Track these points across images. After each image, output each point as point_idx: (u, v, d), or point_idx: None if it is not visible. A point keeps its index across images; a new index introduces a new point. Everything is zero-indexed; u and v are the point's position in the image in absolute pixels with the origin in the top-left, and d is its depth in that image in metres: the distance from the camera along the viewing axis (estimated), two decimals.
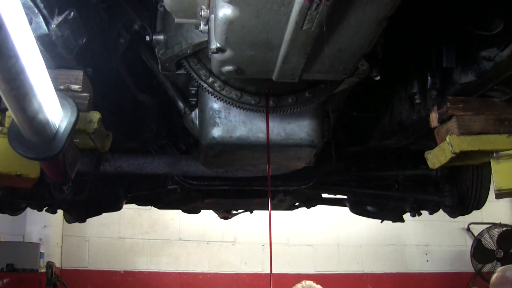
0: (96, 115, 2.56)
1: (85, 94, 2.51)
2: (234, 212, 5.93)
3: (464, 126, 2.85)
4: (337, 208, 10.24)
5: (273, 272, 10.32)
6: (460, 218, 10.81)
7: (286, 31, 2.10)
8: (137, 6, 2.99)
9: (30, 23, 2.20)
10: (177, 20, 2.33)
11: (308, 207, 5.52)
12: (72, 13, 2.41)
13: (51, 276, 8.30)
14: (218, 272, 10.16)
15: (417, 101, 3.06)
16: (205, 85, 2.83)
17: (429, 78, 2.93)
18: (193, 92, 3.21)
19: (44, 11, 2.27)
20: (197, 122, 3.23)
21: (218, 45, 2.23)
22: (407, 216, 5.45)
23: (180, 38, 2.72)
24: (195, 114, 3.24)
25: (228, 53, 2.28)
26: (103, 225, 9.54)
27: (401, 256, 11.42)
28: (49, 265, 8.38)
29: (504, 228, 11.01)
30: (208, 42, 2.42)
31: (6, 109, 2.42)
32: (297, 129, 3.14)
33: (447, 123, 2.90)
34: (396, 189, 4.78)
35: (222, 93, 2.84)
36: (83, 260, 9.51)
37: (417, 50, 2.99)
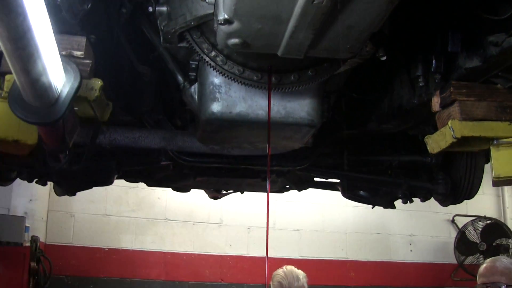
0: (98, 83, 2.52)
1: (87, 61, 2.47)
2: (224, 192, 5.90)
3: (466, 112, 2.84)
4: (323, 195, 10.32)
5: (257, 255, 10.37)
6: (445, 209, 10.92)
7: (296, 4, 2.08)
8: None
9: None
10: None
11: (299, 189, 5.49)
12: None
13: (35, 251, 8.22)
14: (202, 253, 10.13)
15: (420, 84, 3.05)
16: (207, 59, 2.80)
17: (433, 62, 2.91)
18: (193, 66, 3.18)
19: None
20: (197, 97, 3.19)
21: (226, 16, 2.20)
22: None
23: (184, 10, 2.68)
24: (194, 88, 3.21)
25: (235, 25, 2.25)
26: (89, 202, 9.46)
27: (385, 244, 11.44)
28: (34, 239, 8.30)
29: (489, 221, 11.05)
30: (214, 13, 2.40)
31: (5, 73, 2.38)
32: (298, 107, 3.12)
33: (449, 107, 2.90)
34: (389, 175, 4.77)
35: (224, 67, 2.82)
36: (68, 236, 9.44)
37: (422, 33, 2.96)
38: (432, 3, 2.78)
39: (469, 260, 10.90)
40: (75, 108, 2.58)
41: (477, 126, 2.83)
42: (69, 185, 4.78)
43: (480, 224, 10.97)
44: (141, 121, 3.92)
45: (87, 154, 3.19)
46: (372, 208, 5.52)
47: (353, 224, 11.20)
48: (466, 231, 10.98)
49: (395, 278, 11.18)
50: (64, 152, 2.81)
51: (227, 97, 3.04)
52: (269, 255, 9.95)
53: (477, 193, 4.64)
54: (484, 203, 11.56)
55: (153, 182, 5.32)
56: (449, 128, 2.81)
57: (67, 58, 2.34)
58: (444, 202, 4.77)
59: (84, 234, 9.50)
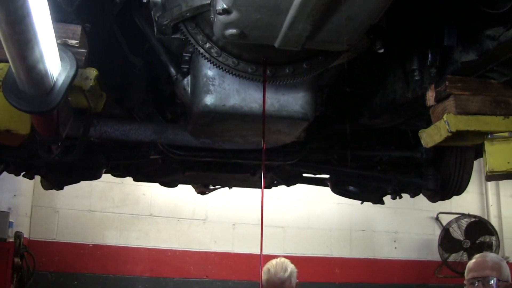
0: (93, 72, 2.48)
1: (82, 50, 2.43)
2: (212, 187, 5.87)
3: (461, 106, 2.84)
4: (308, 191, 10.38)
5: (242, 252, 10.35)
6: (429, 207, 11.01)
7: None
8: None
9: None
10: None
11: (288, 185, 5.49)
12: None
13: (19, 247, 8.17)
14: (187, 249, 10.10)
15: (416, 78, 3.03)
16: (202, 50, 2.77)
17: (429, 56, 2.90)
18: (186, 58, 3.14)
19: None
20: (189, 89, 3.16)
21: (225, 6, 2.18)
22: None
23: (179, 1, 2.65)
24: (187, 81, 3.17)
25: (233, 15, 2.22)
26: (74, 197, 9.40)
27: (370, 242, 11.48)
28: (18, 235, 8.24)
29: (473, 219, 11.14)
30: (212, 3, 2.37)
31: None
32: (292, 101, 3.09)
33: (444, 102, 2.89)
34: (379, 170, 4.78)
35: (219, 59, 2.79)
36: (52, 232, 9.36)
37: (418, 26, 2.95)
38: None
39: (453, 257, 10.98)
40: (69, 98, 2.55)
41: (472, 120, 2.82)
42: (56, 178, 4.73)
43: (464, 222, 11.06)
44: (131, 114, 3.88)
45: (79, 145, 3.15)
46: (361, 203, 5.52)
47: (338, 221, 11.23)
48: (450, 229, 11.06)
49: (379, 275, 11.23)
50: (57, 143, 2.77)
51: (221, 89, 3.01)
52: (253, 252, 9.99)
53: None
54: (468, 201, 11.65)
55: (140, 176, 5.29)
56: (445, 122, 2.80)
57: (62, 46, 2.30)
58: (433, 198, 4.78)
59: (68, 230, 9.44)
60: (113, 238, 9.71)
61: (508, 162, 2.86)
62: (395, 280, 11.31)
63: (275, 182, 5.42)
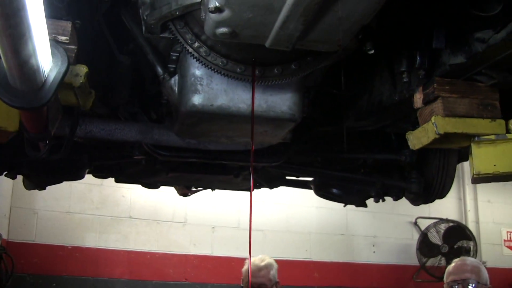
0: (83, 69, 2.46)
1: (72, 47, 2.41)
2: (194, 189, 5.85)
3: (449, 108, 2.85)
4: (288, 195, 10.39)
5: (221, 255, 10.34)
6: (408, 211, 11.08)
7: None
8: None
9: None
10: None
11: (271, 187, 5.48)
12: None
13: None
14: (166, 252, 10.05)
15: (404, 80, 3.04)
16: (190, 50, 2.77)
17: (418, 58, 2.91)
18: (174, 57, 3.12)
19: None
20: (177, 89, 3.15)
21: (217, 4, 2.17)
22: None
23: None
24: (174, 80, 3.16)
25: (226, 13, 2.22)
26: (53, 199, 9.31)
27: (349, 246, 11.51)
28: None
29: (451, 224, 11.22)
30: (203, 2, 2.37)
31: None
32: (279, 101, 3.09)
33: (432, 104, 2.90)
34: (362, 173, 4.79)
35: (207, 59, 2.79)
36: (31, 233, 9.26)
37: (406, 28, 2.97)
38: None
39: (431, 262, 11.05)
40: (58, 95, 2.52)
41: (460, 123, 2.84)
42: (39, 178, 4.69)
43: (442, 227, 11.14)
44: (115, 114, 3.85)
45: (67, 143, 3.12)
46: (344, 206, 5.54)
47: (317, 225, 11.24)
48: (429, 233, 11.13)
49: (358, 279, 11.25)
50: (45, 140, 2.74)
51: (209, 89, 3.00)
52: (233, 255, 9.97)
53: None
54: (446, 206, 11.71)
55: (123, 177, 5.25)
56: (433, 124, 2.81)
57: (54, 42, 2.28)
58: (416, 201, 4.80)
59: (47, 231, 9.34)
60: (92, 240, 9.63)
61: (495, 165, 2.88)
62: (373, 284, 11.35)
63: (258, 184, 5.41)
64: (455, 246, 10.92)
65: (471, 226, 12.04)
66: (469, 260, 4.44)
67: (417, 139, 3.04)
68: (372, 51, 2.74)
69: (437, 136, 2.83)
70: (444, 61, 2.84)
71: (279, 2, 2.13)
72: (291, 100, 3.11)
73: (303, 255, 11.05)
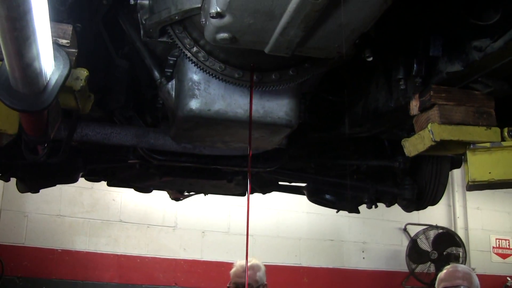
0: (83, 73, 2.46)
1: (73, 50, 2.40)
2: (187, 193, 5.85)
3: (445, 116, 2.86)
4: (278, 200, 10.40)
5: (211, 260, 10.33)
6: (397, 218, 11.10)
7: (292, 0, 2.07)
8: None
9: None
10: None
11: (264, 193, 5.49)
12: None
13: None
14: (156, 256, 10.05)
15: (401, 87, 3.06)
16: (189, 54, 2.77)
17: (415, 65, 2.92)
18: (171, 62, 3.12)
19: None
20: (174, 94, 3.14)
21: (219, 9, 2.18)
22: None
23: (168, 4, 2.65)
24: (171, 85, 3.16)
25: (227, 19, 2.23)
26: (43, 202, 9.30)
27: (339, 251, 11.54)
28: None
29: (440, 230, 11.27)
30: (203, 7, 2.37)
31: None
32: (276, 107, 3.10)
33: (428, 111, 2.91)
34: (355, 179, 4.80)
35: (205, 63, 2.79)
36: (21, 236, 9.23)
37: (404, 36, 2.98)
38: (417, 7, 2.80)
39: (420, 268, 11.08)
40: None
41: (456, 130, 2.85)
42: (33, 181, 4.66)
43: (432, 233, 11.17)
44: (111, 117, 3.85)
45: (65, 147, 3.12)
46: (337, 212, 5.55)
47: (307, 231, 11.27)
48: (418, 240, 11.17)
49: (347, 284, 11.28)
50: (44, 143, 2.74)
51: (206, 94, 3.00)
52: (222, 260, 9.96)
53: None
54: (435, 212, 11.76)
55: (116, 181, 5.24)
56: (429, 131, 2.82)
57: (56, 45, 2.28)
58: (409, 207, 4.81)
59: (37, 234, 9.32)
60: (82, 243, 9.61)
61: (490, 172, 2.90)
62: None
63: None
64: (444, 253, 10.96)
65: (460, 232, 12.11)
66: (461, 267, 4.47)
67: (413, 146, 3.05)
68: (371, 59, 2.76)
69: (433, 143, 2.84)
70: (441, 69, 2.85)
71: (280, 9, 2.13)
72: (288, 106, 3.12)
73: (293, 261, 11.07)
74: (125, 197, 9.87)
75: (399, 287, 11.63)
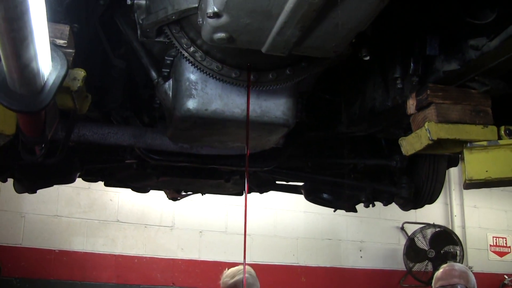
0: (81, 73, 2.46)
1: (70, 50, 2.40)
2: (184, 193, 5.85)
3: (442, 114, 2.87)
4: (275, 200, 10.42)
5: (209, 259, 10.33)
6: (394, 216, 11.11)
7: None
8: None
9: None
10: None
11: (261, 192, 5.49)
12: None
13: None
14: (154, 256, 10.05)
15: (398, 86, 3.06)
16: (186, 54, 2.77)
17: (411, 64, 2.93)
18: (168, 62, 3.12)
19: None
20: (171, 94, 3.14)
21: (216, 9, 2.18)
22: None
23: (165, 4, 2.65)
24: (168, 85, 3.16)
25: (224, 19, 2.23)
26: (40, 202, 9.29)
27: (336, 250, 11.54)
28: None
29: (437, 229, 11.28)
30: (200, 7, 2.38)
31: None
32: (273, 106, 3.10)
33: (425, 110, 2.92)
34: (352, 178, 4.81)
35: (203, 63, 2.79)
36: (18, 237, 9.22)
37: (400, 35, 2.99)
38: (412, 5, 2.81)
39: (418, 266, 11.10)
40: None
41: (453, 129, 2.85)
42: (30, 182, 4.66)
43: (429, 232, 11.19)
44: (108, 117, 3.85)
45: (63, 147, 3.12)
46: (334, 211, 5.55)
47: (304, 230, 11.27)
48: (415, 238, 11.18)
49: (345, 283, 11.29)
50: (42, 144, 2.74)
51: (203, 94, 3.00)
52: (220, 259, 9.95)
53: None
54: (432, 211, 11.78)
55: (113, 181, 5.24)
56: (426, 130, 2.83)
57: (53, 45, 2.28)
58: (406, 206, 4.81)
59: (35, 235, 9.31)
60: (79, 244, 9.61)
61: (487, 171, 2.90)
62: None
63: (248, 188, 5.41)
64: (442, 251, 10.98)
65: (458, 231, 12.13)
66: (457, 265, 4.49)
67: (410, 145, 3.05)
68: (368, 58, 2.77)
69: (430, 142, 2.84)
70: (437, 67, 2.86)
71: (277, 8, 2.14)
72: (285, 105, 3.12)
73: (291, 260, 11.07)
74: (122, 197, 9.87)
75: (396, 286, 11.65)
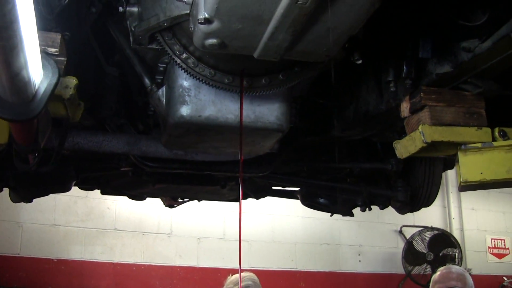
0: (72, 81, 2.46)
1: (62, 59, 2.41)
2: (180, 200, 5.84)
3: (436, 117, 2.87)
4: (273, 205, 10.41)
5: (207, 266, 10.31)
6: (392, 220, 11.11)
7: (279, 4, 2.07)
8: None
9: None
10: None
11: (258, 198, 5.48)
12: None
13: None
14: (152, 264, 10.02)
15: (391, 89, 3.06)
16: (178, 61, 2.77)
17: (404, 67, 2.92)
18: (161, 68, 3.12)
19: None
20: (164, 100, 3.14)
21: (207, 15, 2.18)
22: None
23: (157, 10, 2.65)
24: (162, 91, 3.16)
25: (215, 24, 2.23)
26: (38, 211, 9.27)
27: (335, 255, 11.53)
28: None
29: (436, 232, 11.27)
30: (192, 13, 2.37)
31: None
32: (267, 112, 3.10)
33: (419, 113, 2.92)
34: (348, 182, 4.81)
35: (195, 70, 2.79)
36: (15, 247, 9.19)
37: (393, 38, 2.99)
38: (404, 8, 2.81)
39: (417, 270, 11.08)
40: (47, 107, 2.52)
41: (447, 131, 2.85)
42: (26, 191, 4.64)
43: (427, 235, 11.18)
44: (102, 125, 3.84)
45: (56, 155, 3.11)
46: (331, 215, 5.54)
47: (302, 235, 11.26)
48: (414, 242, 11.16)
49: None
50: (35, 152, 2.73)
51: (197, 100, 3.00)
52: (219, 266, 9.93)
53: None
54: (430, 214, 11.79)
55: (109, 189, 5.23)
56: (420, 132, 2.83)
57: (44, 54, 2.28)
58: (403, 209, 4.82)
59: (32, 244, 9.29)
60: (77, 252, 9.59)
61: (481, 173, 2.90)
62: None
63: (244, 195, 5.40)
64: (440, 254, 10.96)
65: (456, 233, 12.13)
66: (454, 268, 4.48)
67: (404, 148, 3.05)
68: (360, 61, 2.77)
69: (424, 145, 2.84)
70: (430, 70, 2.86)
71: (268, 14, 2.14)
72: (278, 110, 3.12)
73: (289, 265, 11.06)
74: (119, 205, 9.86)
75: None
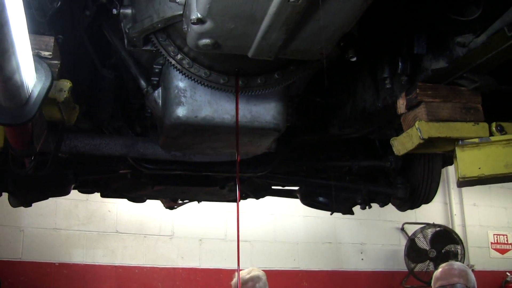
0: (67, 84, 2.46)
1: (55, 62, 2.41)
2: (180, 202, 5.84)
3: (432, 113, 2.86)
4: (274, 205, 10.40)
5: (209, 267, 10.30)
6: (394, 217, 11.10)
7: (272, 3, 2.06)
8: None
9: None
10: None
11: (257, 198, 5.47)
12: None
13: None
14: (154, 266, 10.01)
15: (387, 86, 3.06)
16: (173, 62, 2.78)
17: (399, 64, 2.92)
18: (157, 70, 3.13)
19: None
20: (160, 102, 3.14)
21: (199, 15, 2.18)
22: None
23: (151, 12, 2.65)
24: (158, 93, 3.15)
25: (208, 24, 2.22)
26: (39, 216, 9.26)
27: (337, 254, 11.51)
28: None
29: (438, 229, 11.24)
30: (185, 14, 2.37)
31: None
32: (263, 111, 3.10)
33: (415, 109, 2.91)
34: (347, 180, 4.80)
35: (190, 70, 2.80)
36: (17, 251, 9.18)
37: (387, 35, 2.98)
38: (398, 5, 2.80)
39: (419, 267, 11.06)
40: (42, 110, 2.51)
41: (443, 127, 2.84)
42: (25, 195, 4.64)
43: (429, 231, 11.15)
44: (100, 128, 3.84)
45: (52, 159, 3.11)
46: (331, 214, 5.53)
47: (304, 234, 11.24)
48: (416, 239, 11.14)
49: (347, 286, 11.25)
50: (31, 156, 2.73)
51: (193, 101, 3.00)
52: (221, 267, 9.93)
53: None
54: (432, 210, 11.75)
55: (108, 192, 5.23)
56: (416, 129, 2.82)
57: (37, 57, 2.28)
58: (402, 207, 4.81)
59: (34, 249, 9.27)
60: (79, 256, 9.57)
61: (479, 168, 2.89)
62: None
63: (244, 195, 5.41)
64: (443, 251, 10.94)
65: (458, 230, 12.10)
66: (456, 264, 4.47)
67: (402, 144, 3.04)
68: (355, 59, 2.76)
69: (421, 141, 2.83)
70: (425, 66, 2.85)
71: (261, 12, 2.13)
72: (275, 109, 3.12)
73: (292, 265, 11.04)
74: (120, 208, 9.85)
75: (399, 287, 11.61)
